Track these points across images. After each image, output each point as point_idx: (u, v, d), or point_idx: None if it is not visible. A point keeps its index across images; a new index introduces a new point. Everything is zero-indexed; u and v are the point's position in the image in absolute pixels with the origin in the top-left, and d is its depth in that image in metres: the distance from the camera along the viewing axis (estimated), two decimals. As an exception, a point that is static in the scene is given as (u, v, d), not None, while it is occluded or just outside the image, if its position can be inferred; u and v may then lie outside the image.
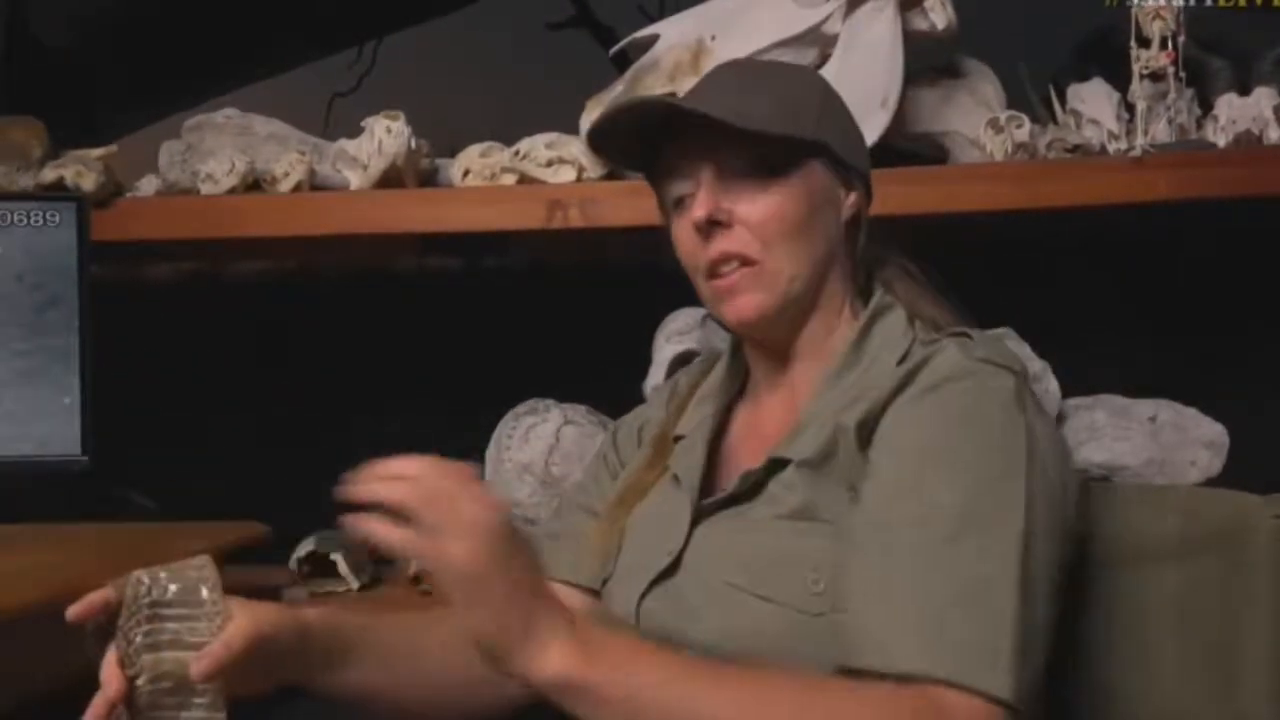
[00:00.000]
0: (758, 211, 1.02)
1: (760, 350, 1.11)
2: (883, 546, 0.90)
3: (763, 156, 1.02)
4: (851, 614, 0.89)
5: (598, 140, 1.09)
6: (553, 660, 0.82)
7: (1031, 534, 0.88)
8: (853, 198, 1.07)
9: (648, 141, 1.07)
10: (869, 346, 1.04)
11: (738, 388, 1.15)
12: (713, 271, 1.03)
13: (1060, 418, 1.56)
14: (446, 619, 1.05)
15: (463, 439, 1.74)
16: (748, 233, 1.02)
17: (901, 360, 1.01)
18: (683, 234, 1.05)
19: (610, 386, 1.60)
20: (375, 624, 1.05)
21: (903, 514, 0.90)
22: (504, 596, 0.82)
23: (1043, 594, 0.88)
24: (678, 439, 1.13)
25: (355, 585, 1.69)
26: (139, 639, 0.89)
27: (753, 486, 1.02)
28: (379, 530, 0.82)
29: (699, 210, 1.02)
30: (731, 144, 1.01)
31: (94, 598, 0.91)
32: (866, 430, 0.97)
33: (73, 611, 0.91)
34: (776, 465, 1.01)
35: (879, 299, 1.06)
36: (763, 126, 0.99)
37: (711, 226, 1.02)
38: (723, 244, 1.02)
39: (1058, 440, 0.97)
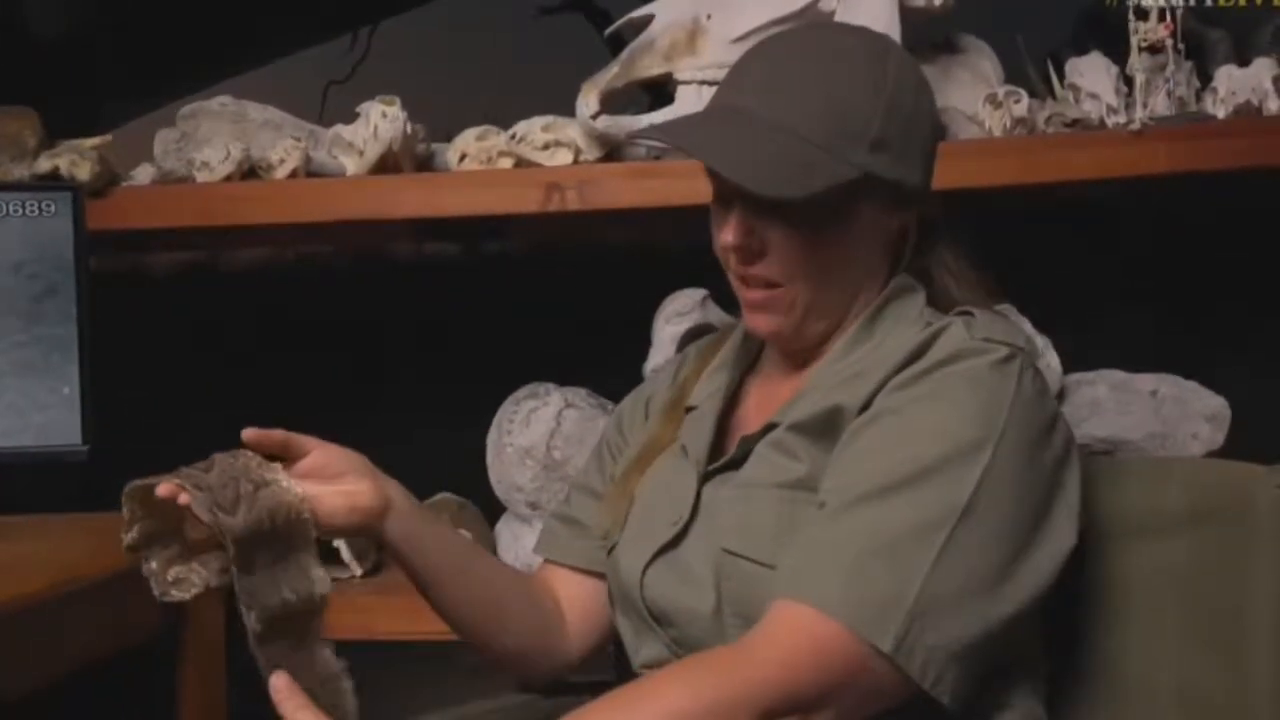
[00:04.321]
0: (789, 245, 0.99)
1: None
2: (834, 502, 0.92)
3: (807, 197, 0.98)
4: (787, 551, 0.92)
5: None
6: None
7: (980, 505, 0.89)
8: (902, 218, 1.03)
9: None
10: (880, 326, 1.03)
11: (752, 359, 1.14)
12: (739, 278, 1.03)
13: (1061, 393, 1.56)
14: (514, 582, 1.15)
15: (463, 424, 1.73)
16: (776, 262, 1.00)
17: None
18: (716, 232, 1.03)
19: (610, 369, 1.60)
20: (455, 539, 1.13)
21: (860, 475, 0.92)
22: None
23: (985, 564, 0.89)
24: (690, 409, 1.13)
25: (358, 571, 1.69)
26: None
27: (749, 452, 1.02)
28: None
29: (729, 235, 1.00)
30: None
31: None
32: (865, 410, 0.97)
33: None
34: (770, 430, 1.01)
35: (899, 280, 1.05)
36: (796, 189, 0.95)
37: (741, 250, 1.01)
38: (751, 268, 1.01)
39: (1051, 421, 0.96)
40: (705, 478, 1.04)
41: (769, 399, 1.08)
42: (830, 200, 0.98)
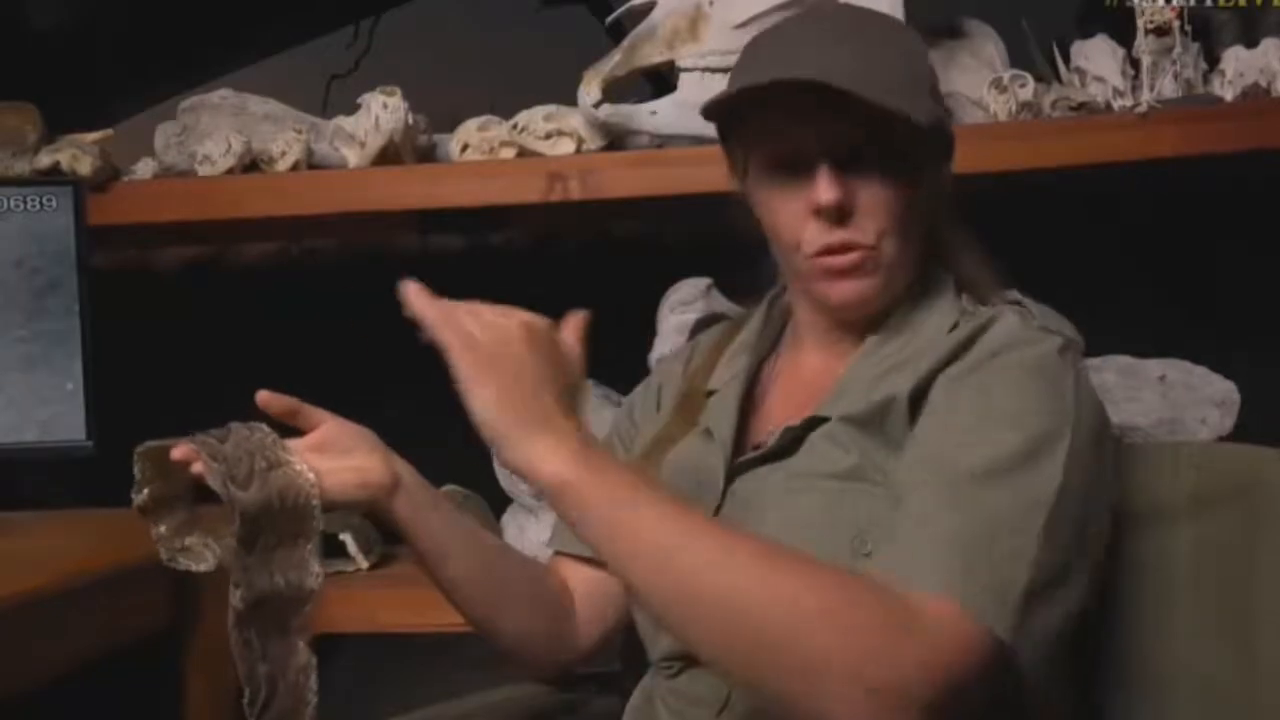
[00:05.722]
0: (880, 201, 0.98)
1: (823, 316, 1.07)
2: (926, 493, 0.89)
3: (882, 135, 0.96)
4: (889, 545, 0.88)
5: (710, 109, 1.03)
6: (551, 461, 0.82)
7: (1065, 491, 0.88)
8: (948, 173, 1.03)
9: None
10: (916, 315, 1.03)
11: (770, 345, 1.13)
12: (826, 249, 1.00)
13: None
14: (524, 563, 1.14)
15: (468, 416, 1.73)
16: (869, 221, 0.98)
17: (952, 329, 1.00)
18: (787, 209, 1.00)
19: (614, 359, 1.59)
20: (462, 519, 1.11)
21: (949, 464, 0.90)
22: (514, 383, 0.84)
23: (1067, 549, 0.88)
24: (710, 394, 1.11)
25: (365, 564, 1.69)
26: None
27: (792, 443, 1.00)
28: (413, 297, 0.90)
29: (827, 195, 0.97)
30: (848, 118, 0.95)
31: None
32: (919, 397, 0.96)
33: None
34: (816, 423, 1.00)
35: (931, 269, 1.05)
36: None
37: (839, 210, 0.98)
38: (845, 232, 0.98)
39: (1101, 409, 0.96)
40: (741, 467, 1.03)
41: (801, 386, 1.06)
42: (906, 148, 0.98)
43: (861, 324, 1.04)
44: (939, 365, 0.96)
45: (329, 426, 1.03)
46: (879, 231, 0.98)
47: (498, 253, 2.09)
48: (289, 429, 1.02)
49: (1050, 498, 0.87)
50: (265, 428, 0.97)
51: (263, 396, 1.00)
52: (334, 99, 2.77)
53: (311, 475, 0.95)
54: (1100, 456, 0.94)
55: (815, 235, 0.99)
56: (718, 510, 1.01)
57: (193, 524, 0.99)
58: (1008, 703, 0.86)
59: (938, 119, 1.01)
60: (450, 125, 1.73)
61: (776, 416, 1.05)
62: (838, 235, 0.98)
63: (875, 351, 1.02)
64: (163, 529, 0.98)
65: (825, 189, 0.97)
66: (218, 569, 0.98)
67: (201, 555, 0.99)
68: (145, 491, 0.97)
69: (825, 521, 0.95)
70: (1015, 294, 1.03)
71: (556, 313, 1.94)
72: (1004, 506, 0.87)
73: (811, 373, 1.07)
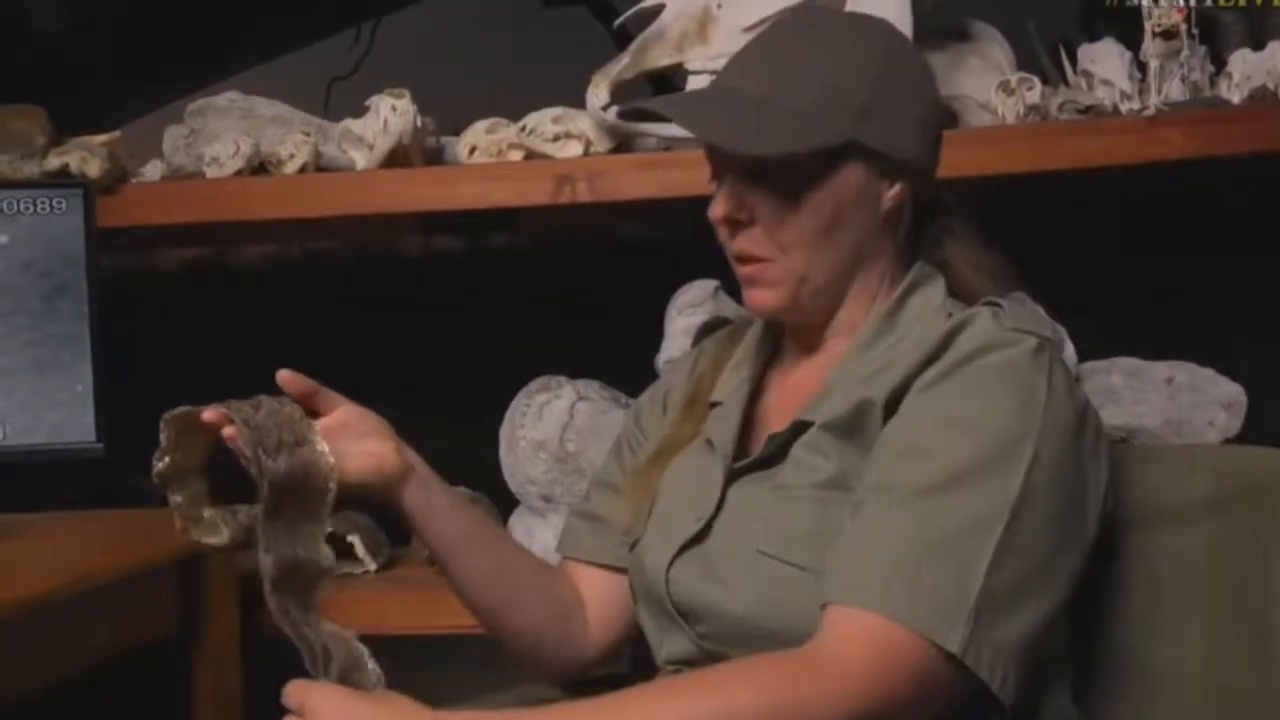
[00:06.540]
0: (776, 215, 1.00)
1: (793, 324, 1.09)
2: (880, 502, 0.91)
3: (788, 157, 0.98)
4: (833, 554, 0.90)
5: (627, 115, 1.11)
6: None
7: (1027, 498, 0.88)
8: (895, 189, 1.02)
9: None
10: (903, 318, 1.03)
11: (771, 352, 1.14)
12: (733, 256, 1.04)
13: (1076, 381, 1.55)
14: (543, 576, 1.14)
15: (476, 418, 1.73)
16: (764, 234, 1.00)
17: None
18: (712, 213, 1.04)
19: (622, 361, 1.60)
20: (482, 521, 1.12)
21: (906, 474, 0.91)
22: None
23: (1033, 555, 0.88)
24: (714, 405, 1.12)
25: (373, 566, 1.69)
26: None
27: (779, 450, 1.01)
28: None
29: (718, 208, 1.01)
30: None
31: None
32: (894, 404, 0.96)
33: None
34: (800, 428, 1.00)
35: (918, 270, 1.05)
36: (775, 148, 0.96)
37: (731, 223, 1.01)
38: (741, 242, 1.02)
39: (1081, 408, 0.96)
40: (734, 475, 1.04)
41: (792, 393, 1.07)
42: (814, 166, 0.99)
43: (840, 328, 1.05)
44: (914, 371, 0.96)
45: (348, 410, 1.03)
46: (782, 244, 1.00)
47: (505, 254, 2.09)
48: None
49: (1007, 506, 0.88)
50: (293, 403, 0.97)
51: (284, 375, 1.00)
52: (335, 101, 2.77)
53: (332, 459, 0.95)
54: (1077, 455, 0.93)
55: (724, 240, 1.03)
56: (712, 520, 1.02)
57: (207, 498, 0.99)
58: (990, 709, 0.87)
59: (853, 142, 0.99)
60: (451, 127, 1.73)
61: (772, 424, 1.06)
62: (736, 245, 1.02)
63: (861, 354, 1.02)
64: (180, 499, 0.98)
65: (716, 202, 1.02)
66: (228, 548, 0.98)
67: (216, 529, 0.98)
68: (166, 459, 0.96)
69: (809, 532, 0.95)
70: (994, 296, 1.02)
71: (566, 315, 1.94)
72: (957, 517, 0.88)
73: (803, 378, 1.07)
